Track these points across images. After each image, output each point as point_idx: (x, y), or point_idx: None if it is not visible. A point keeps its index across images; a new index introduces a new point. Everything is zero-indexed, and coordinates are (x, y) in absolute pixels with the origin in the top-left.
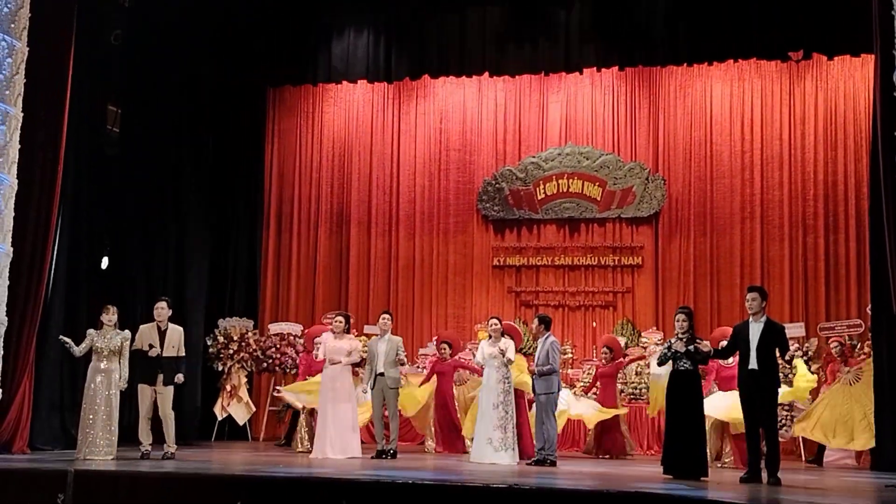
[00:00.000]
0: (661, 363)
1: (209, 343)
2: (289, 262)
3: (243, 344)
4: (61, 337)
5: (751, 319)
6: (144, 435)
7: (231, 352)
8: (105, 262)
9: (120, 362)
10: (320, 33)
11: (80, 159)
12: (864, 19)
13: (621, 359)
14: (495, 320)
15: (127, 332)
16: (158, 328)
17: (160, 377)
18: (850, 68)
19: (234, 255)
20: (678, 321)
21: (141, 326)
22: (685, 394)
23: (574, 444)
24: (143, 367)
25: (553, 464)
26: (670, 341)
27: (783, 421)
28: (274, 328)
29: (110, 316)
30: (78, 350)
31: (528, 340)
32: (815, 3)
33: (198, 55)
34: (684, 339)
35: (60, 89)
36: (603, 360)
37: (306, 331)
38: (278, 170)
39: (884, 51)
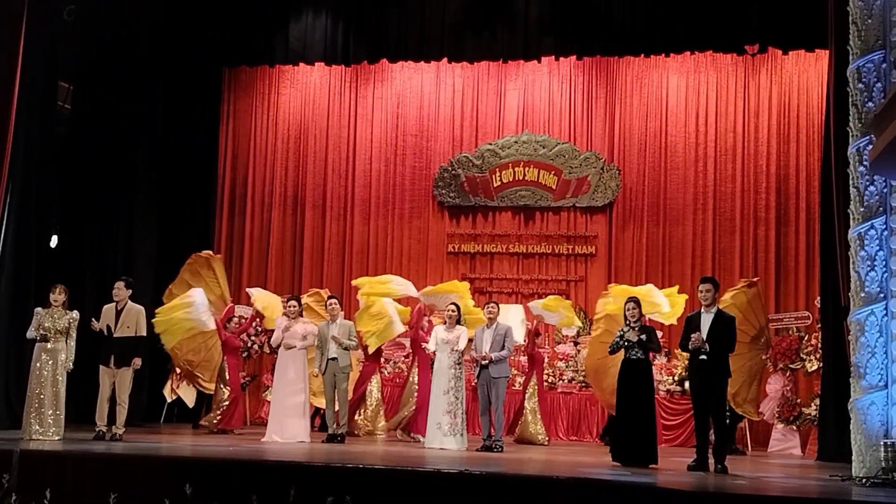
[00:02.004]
0: (612, 352)
1: None
2: (241, 244)
3: None
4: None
5: (702, 310)
6: (100, 416)
7: None
8: (54, 241)
9: (67, 342)
10: (278, 14)
11: (29, 136)
12: (820, 15)
13: (554, 349)
14: (453, 306)
15: (75, 313)
16: (116, 308)
17: (112, 357)
18: (805, 63)
19: (185, 236)
20: (628, 310)
21: (104, 306)
22: (636, 382)
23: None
24: (101, 347)
25: (501, 450)
26: (622, 330)
27: (730, 413)
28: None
29: (57, 295)
30: (29, 332)
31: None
32: None
33: (153, 33)
34: (636, 328)
35: (10, 65)
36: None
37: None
38: (232, 151)
39: (838, 46)
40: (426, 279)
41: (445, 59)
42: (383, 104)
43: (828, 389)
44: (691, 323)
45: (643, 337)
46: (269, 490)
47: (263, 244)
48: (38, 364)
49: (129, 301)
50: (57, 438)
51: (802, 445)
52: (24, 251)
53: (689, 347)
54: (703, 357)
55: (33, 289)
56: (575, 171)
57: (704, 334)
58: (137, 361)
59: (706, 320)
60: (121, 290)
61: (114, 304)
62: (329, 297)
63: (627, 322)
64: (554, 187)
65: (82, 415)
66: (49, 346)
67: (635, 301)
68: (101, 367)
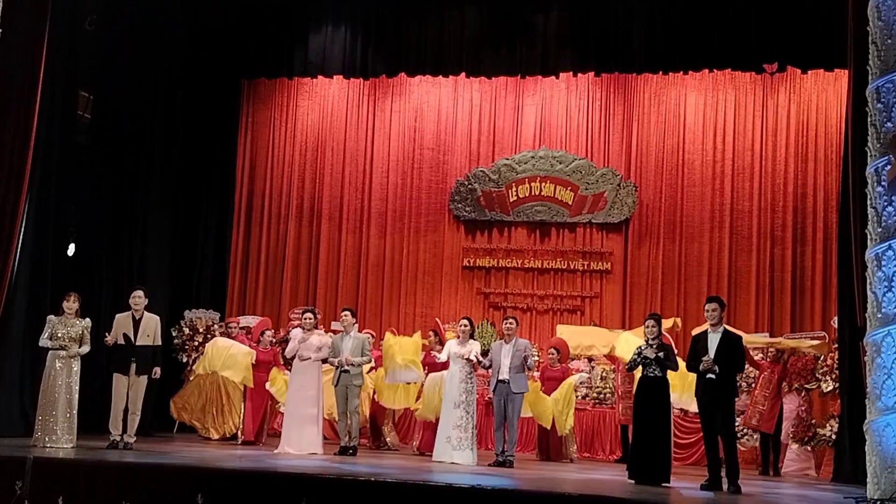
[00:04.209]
0: (630, 369)
1: (174, 334)
2: (257, 255)
3: (209, 336)
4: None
5: (709, 329)
6: (115, 425)
7: (196, 343)
8: (71, 249)
9: (80, 350)
10: (297, 27)
11: (50, 144)
12: (839, 35)
13: (568, 364)
14: (466, 321)
15: (88, 320)
16: (133, 317)
17: (133, 366)
18: (824, 82)
19: (201, 246)
20: (648, 327)
21: (117, 315)
22: (653, 400)
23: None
24: (118, 355)
25: (511, 465)
26: (640, 347)
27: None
28: (240, 321)
29: (70, 303)
30: (42, 340)
31: (493, 339)
32: (792, 16)
33: (173, 43)
34: (654, 346)
35: (32, 74)
36: (549, 362)
37: (259, 321)
38: (250, 162)
39: (857, 66)
40: (441, 293)
41: (463, 74)
42: (401, 118)
43: (843, 410)
44: (698, 343)
45: (661, 354)
46: (280, 501)
47: (279, 255)
48: (51, 372)
49: (144, 310)
50: (70, 446)
51: (817, 466)
52: (41, 259)
53: (700, 370)
54: (712, 377)
55: (49, 297)
56: (591, 188)
57: (711, 354)
58: (157, 370)
59: (713, 340)
60: (140, 298)
61: (129, 312)
62: (343, 310)
63: (646, 339)
64: (570, 203)
65: (95, 423)
66: (62, 353)
67: (655, 318)
68: (115, 375)
